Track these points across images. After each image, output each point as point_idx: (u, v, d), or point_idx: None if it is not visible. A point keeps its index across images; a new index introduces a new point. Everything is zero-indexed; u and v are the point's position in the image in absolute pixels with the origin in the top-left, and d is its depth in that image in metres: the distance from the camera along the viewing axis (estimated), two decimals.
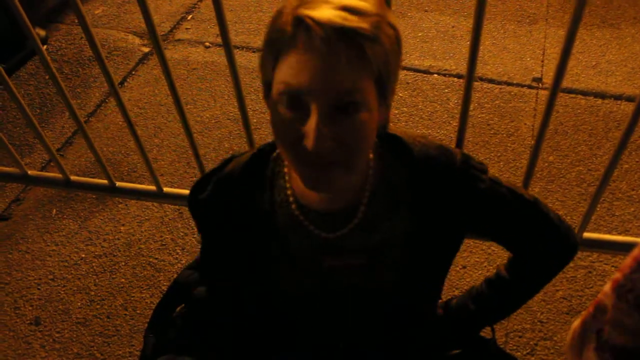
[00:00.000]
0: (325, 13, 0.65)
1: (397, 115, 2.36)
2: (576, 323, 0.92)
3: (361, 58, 0.67)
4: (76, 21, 2.60)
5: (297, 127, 0.70)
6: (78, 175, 2.00)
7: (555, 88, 1.18)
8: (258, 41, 2.80)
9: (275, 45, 0.70)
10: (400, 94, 2.45)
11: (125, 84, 2.63)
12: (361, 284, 0.92)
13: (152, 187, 1.75)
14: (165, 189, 1.78)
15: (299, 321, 1.01)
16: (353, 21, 0.65)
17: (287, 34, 0.68)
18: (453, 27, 2.82)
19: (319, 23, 0.65)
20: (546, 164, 2.15)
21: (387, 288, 0.92)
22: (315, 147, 0.67)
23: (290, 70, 0.68)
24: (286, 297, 0.96)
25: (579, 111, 2.35)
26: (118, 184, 1.78)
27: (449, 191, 0.85)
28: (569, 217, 1.96)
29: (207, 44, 2.83)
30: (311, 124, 0.68)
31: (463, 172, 0.85)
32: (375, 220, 0.86)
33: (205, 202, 0.92)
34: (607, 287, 0.85)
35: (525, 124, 2.30)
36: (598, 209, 1.97)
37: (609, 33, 2.72)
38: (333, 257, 0.89)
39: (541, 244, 0.96)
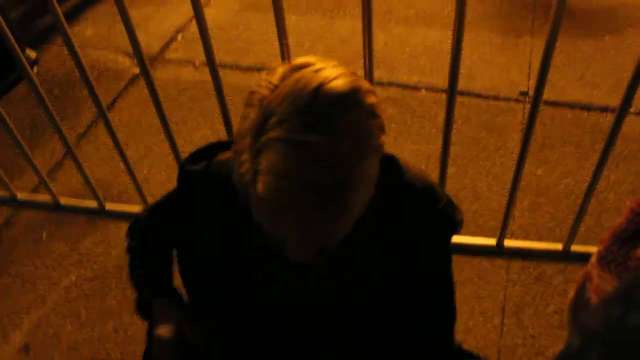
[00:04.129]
0: None
1: (386, 132, 2.38)
2: (571, 294, 0.99)
3: None
4: None
5: None
6: (69, 197, 2.00)
7: (537, 98, 1.20)
8: (248, 60, 2.82)
9: None
10: (389, 111, 2.47)
11: (116, 104, 2.64)
12: (334, 289, 0.94)
13: (141, 209, 1.75)
14: None
15: (271, 313, 1.02)
16: None
17: None
18: (440, 42, 2.85)
19: None
20: (534, 177, 2.16)
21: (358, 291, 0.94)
22: None
23: None
24: (258, 292, 0.97)
25: (565, 124, 2.37)
26: (107, 205, 1.78)
27: (419, 222, 0.89)
28: (558, 230, 1.97)
29: (197, 63, 2.85)
30: None
31: (438, 214, 0.90)
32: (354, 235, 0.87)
33: (195, 175, 0.91)
34: (593, 258, 0.92)
35: (513, 137, 2.32)
36: (587, 221, 1.98)
37: (593, 45, 2.76)
38: (304, 273, 0.92)
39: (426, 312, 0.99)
